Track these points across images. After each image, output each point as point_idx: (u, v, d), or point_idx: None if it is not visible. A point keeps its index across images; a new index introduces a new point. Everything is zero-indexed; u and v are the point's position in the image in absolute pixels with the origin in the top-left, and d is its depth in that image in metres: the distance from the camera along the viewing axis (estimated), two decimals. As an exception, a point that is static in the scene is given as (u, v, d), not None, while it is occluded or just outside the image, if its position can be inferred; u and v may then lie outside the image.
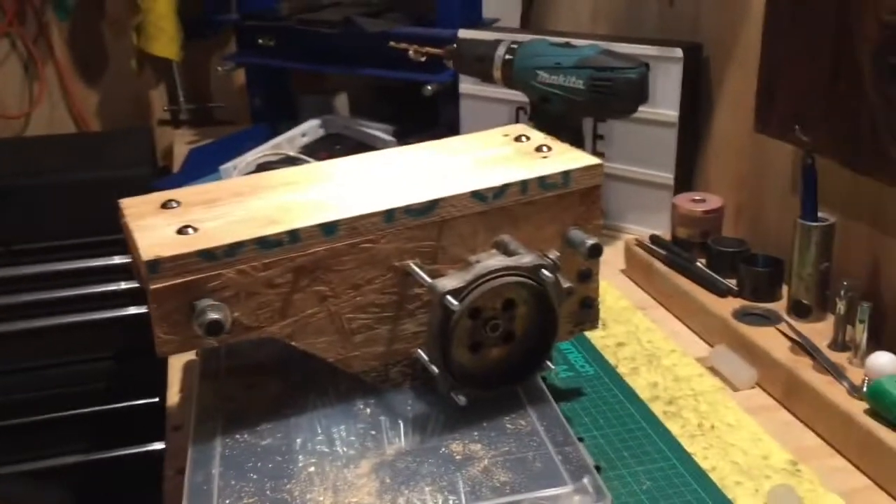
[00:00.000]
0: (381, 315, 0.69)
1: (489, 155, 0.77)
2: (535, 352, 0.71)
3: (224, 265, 0.62)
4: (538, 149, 0.76)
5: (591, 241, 0.72)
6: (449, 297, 0.64)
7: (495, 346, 0.70)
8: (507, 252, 0.70)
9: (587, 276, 0.76)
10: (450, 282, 0.66)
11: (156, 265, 0.60)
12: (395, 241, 0.67)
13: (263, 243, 0.63)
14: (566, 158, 0.74)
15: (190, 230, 0.64)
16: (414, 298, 0.70)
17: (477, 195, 0.69)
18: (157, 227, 0.65)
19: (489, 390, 0.70)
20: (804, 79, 0.93)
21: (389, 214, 0.66)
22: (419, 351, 0.70)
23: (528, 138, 0.79)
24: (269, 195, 0.71)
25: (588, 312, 0.78)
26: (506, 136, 0.81)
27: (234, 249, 0.62)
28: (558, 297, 0.70)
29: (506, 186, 0.70)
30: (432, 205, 0.68)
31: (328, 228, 0.65)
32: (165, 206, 0.69)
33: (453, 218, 0.69)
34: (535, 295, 0.69)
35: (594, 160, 0.73)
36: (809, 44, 0.92)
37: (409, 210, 0.67)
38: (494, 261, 0.68)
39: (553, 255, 0.71)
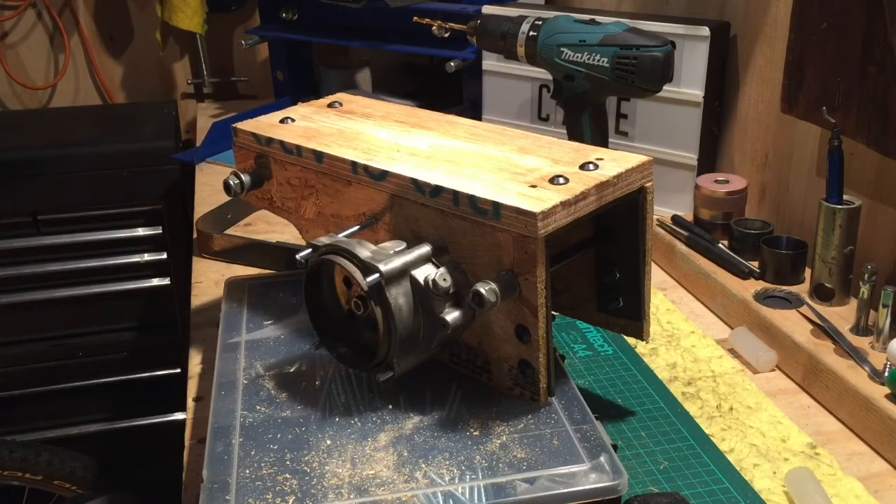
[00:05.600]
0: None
1: (526, 165, 0.70)
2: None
3: (265, 148, 0.82)
4: (552, 180, 0.66)
5: (479, 287, 0.62)
6: (300, 255, 0.69)
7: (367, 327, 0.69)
8: (379, 249, 0.68)
9: (523, 334, 0.66)
10: (324, 239, 0.69)
11: (235, 131, 0.85)
12: (362, 190, 0.74)
13: (283, 146, 0.80)
14: (533, 197, 0.63)
15: (289, 121, 0.85)
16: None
17: (416, 184, 0.69)
18: (285, 114, 0.86)
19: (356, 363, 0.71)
20: (833, 60, 0.92)
21: (354, 165, 0.74)
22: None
23: (594, 167, 0.68)
24: (384, 128, 0.82)
25: (527, 378, 0.67)
26: (576, 151, 0.72)
27: (269, 141, 0.82)
28: (406, 316, 0.66)
29: (439, 188, 0.67)
30: (383, 174, 0.72)
31: (318, 157, 0.77)
32: (331, 105, 0.89)
33: (404, 196, 0.70)
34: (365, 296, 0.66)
35: (538, 209, 0.61)
36: (839, 25, 0.90)
37: (367, 169, 0.73)
38: (354, 243, 0.67)
39: (441, 277, 0.65)
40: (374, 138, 0.79)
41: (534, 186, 0.65)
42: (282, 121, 0.85)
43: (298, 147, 0.79)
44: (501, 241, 0.64)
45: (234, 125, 0.85)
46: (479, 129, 0.80)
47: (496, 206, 0.63)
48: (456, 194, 0.66)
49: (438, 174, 0.69)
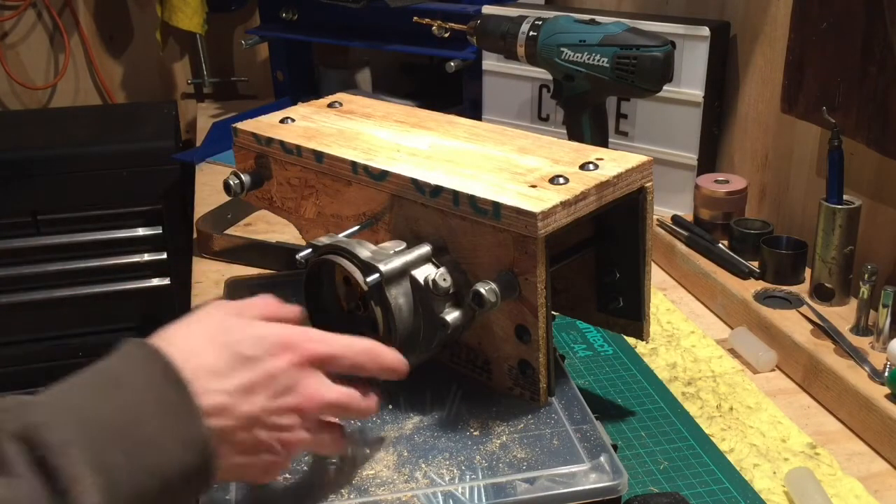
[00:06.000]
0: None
1: (526, 165, 0.70)
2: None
3: (266, 150, 0.82)
4: (552, 180, 0.66)
5: (479, 287, 0.62)
6: (300, 254, 0.69)
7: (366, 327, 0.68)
8: (397, 245, 0.69)
9: (524, 334, 0.66)
10: (324, 239, 0.69)
11: (235, 131, 0.85)
12: (362, 190, 0.74)
13: (284, 146, 0.80)
14: (533, 193, 0.64)
15: (289, 121, 0.85)
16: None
17: (416, 184, 0.69)
18: (285, 114, 0.86)
19: None
20: (833, 60, 0.92)
21: (354, 165, 0.74)
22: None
23: (595, 166, 0.68)
24: (384, 128, 0.82)
25: (527, 378, 0.68)
26: (576, 152, 0.72)
27: (269, 141, 0.81)
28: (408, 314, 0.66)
29: (439, 188, 0.67)
30: (383, 174, 0.72)
31: (318, 157, 0.77)
32: (331, 105, 0.89)
33: (404, 196, 0.70)
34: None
35: (538, 209, 0.61)
36: (839, 25, 0.90)
37: (367, 169, 0.73)
38: (354, 243, 0.67)
39: (442, 277, 0.65)
40: (374, 138, 0.79)
41: (534, 186, 0.65)
42: (282, 121, 0.85)
43: (298, 147, 0.79)
44: (501, 241, 0.64)
45: (234, 125, 0.85)
46: (478, 129, 0.80)
47: (496, 206, 0.63)
48: (456, 194, 0.66)
49: (438, 174, 0.69)
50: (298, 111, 0.88)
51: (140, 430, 0.46)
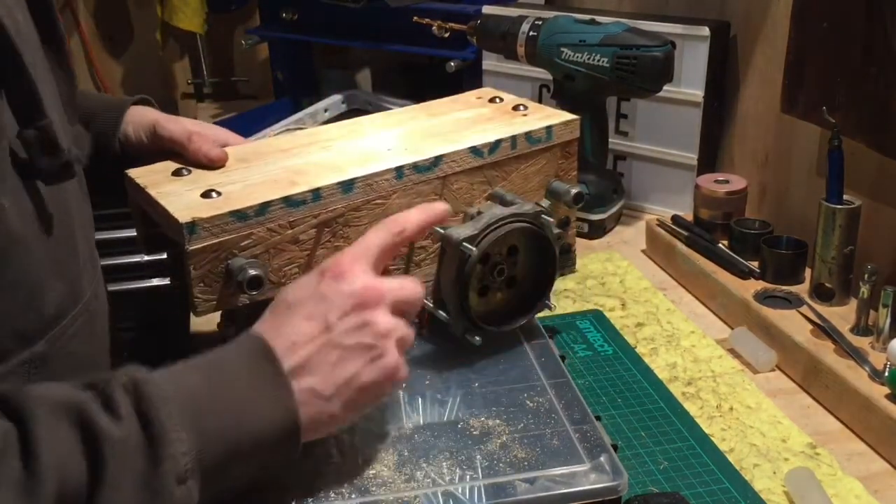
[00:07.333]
0: (393, 267, 0.73)
1: (471, 115, 0.83)
2: (534, 293, 0.77)
3: (255, 224, 0.66)
4: (515, 108, 0.83)
5: (574, 190, 0.79)
6: (465, 244, 0.70)
7: (500, 290, 0.76)
8: (503, 202, 0.76)
9: (566, 224, 0.83)
10: (463, 230, 0.71)
11: (193, 227, 0.63)
12: (404, 197, 0.73)
13: (290, 202, 0.67)
14: (544, 115, 0.81)
15: (214, 194, 0.67)
16: (420, 251, 0.75)
17: (474, 151, 0.75)
18: (179, 192, 0.68)
19: (495, 329, 0.75)
20: (833, 60, 0.92)
21: (399, 171, 0.72)
22: (426, 300, 0.70)
23: (501, 100, 0.86)
24: (276, 160, 0.74)
25: (567, 258, 0.85)
26: (479, 98, 0.88)
27: (263, 209, 0.66)
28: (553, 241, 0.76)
29: (499, 142, 0.76)
30: (436, 161, 0.73)
31: (346, 186, 0.69)
32: (177, 173, 0.71)
33: (454, 173, 0.75)
34: (535, 240, 0.75)
35: (571, 116, 0.80)
36: (840, 25, 0.90)
37: (417, 167, 0.72)
38: (498, 210, 0.73)
39: (544, 203, 0.78)
40: (345, 157, 0.74)
41: (524, 115, 0.80)
42: (204, 195, 0.67)
43: (315, 190, 0.67)
44: (550, 156, 0.79)
45: (193, 220, 0.63)
46: (392, 114, 0.86)
47: (548, 129, 0.78)
48: (514, 138, 0.76)
49: (466, 140, 0.75)
50: (213, 183, 0.69)
51: (233, 393, 0.53)
